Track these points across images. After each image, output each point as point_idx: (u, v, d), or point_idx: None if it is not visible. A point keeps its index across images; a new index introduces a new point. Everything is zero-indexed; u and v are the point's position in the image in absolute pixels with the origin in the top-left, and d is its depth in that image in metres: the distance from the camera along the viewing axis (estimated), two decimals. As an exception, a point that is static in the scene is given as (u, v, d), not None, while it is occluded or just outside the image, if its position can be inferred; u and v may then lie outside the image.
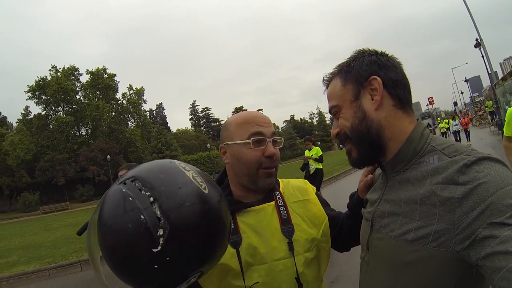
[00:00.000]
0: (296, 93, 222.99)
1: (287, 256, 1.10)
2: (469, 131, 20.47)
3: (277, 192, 1.22)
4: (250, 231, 1.12)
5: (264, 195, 1.20)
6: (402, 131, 0.90)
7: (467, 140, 19.35)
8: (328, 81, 1.03)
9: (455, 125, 21.53)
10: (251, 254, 1.09)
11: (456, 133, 21.04)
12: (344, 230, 1.25)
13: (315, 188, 1.36)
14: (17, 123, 49.12)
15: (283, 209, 1.18)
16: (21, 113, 47.65)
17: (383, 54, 0.95)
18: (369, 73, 0.91)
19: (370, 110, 0.91)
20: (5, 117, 59.15)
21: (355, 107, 0.93)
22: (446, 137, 19.02)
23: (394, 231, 0.85)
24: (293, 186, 1.30)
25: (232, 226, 1.10)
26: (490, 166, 0.72)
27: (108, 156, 40.68)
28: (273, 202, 1.18)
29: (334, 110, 0.99)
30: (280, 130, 76.11)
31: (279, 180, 1.28)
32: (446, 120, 25.26)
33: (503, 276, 0.60)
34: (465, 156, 0.77)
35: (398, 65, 0.94)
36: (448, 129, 25.16)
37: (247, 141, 1.12)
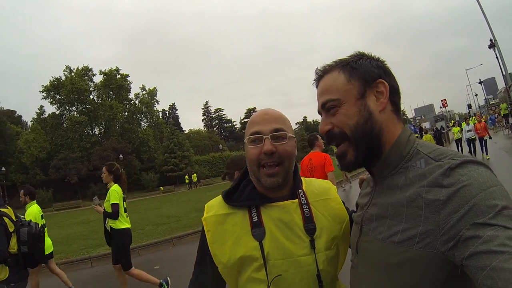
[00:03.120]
0: (306, 94, 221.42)
1: (309, 253, 1.11)
2: (486, 141, 14.60)
3: (300, 191, 1.24)
4: (274, 225, 1.14)
5: (288, 193, 1.21)
6: (394, 136, 0.92)
7: (483, 152, 14.45)
8: (323, 72, 1.00)
9: (469, 130, 15.32)
10: (274, 248, 1.10)
11: (470, 142, 15.32)
12: None
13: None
14: (32, 122, 50.12)
15: (306, 208, 1.19)
16: (36, 113, 48.77)
17: (384, 62, 0.98)
18: (377, 76, 0.93)
19: (375, 111, 0.92)
20: (20, 116, 60.37)
21: (360, 106, 0.92)
22: (459, 146, 16.96)
23: (382, 234, 0.87)
24: (315, 185, 1.31)
25: (256, 219, 1.14)
26: (473, 169, 0.74)
27: (121, 156, 41.24)
28: (296, 200, 1.20)
29: (331, 104, 0.95)
30: (292, 132, 75.49)
31: (302, 179, 1.31)
32: (457, 129, 17.83)
33: (487, 275, 0.61)
34: (449, 159, 0.78)
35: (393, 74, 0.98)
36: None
37: (245, 140, 1.20)
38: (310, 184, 1.30)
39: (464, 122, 17.54)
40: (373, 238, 0.90)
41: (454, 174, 0.74)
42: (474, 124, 15.55)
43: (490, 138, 14.65)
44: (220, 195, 1.25)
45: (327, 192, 1.30)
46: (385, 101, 0.92)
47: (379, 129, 0.91)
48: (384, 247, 0.85)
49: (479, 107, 68.19)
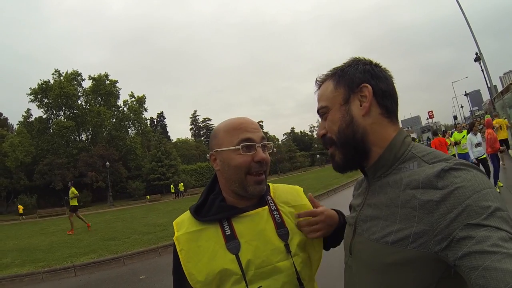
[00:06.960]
0: (292, 105, 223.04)
1: (286, 258, 1.12)
2: (499, 159, 9.54)
3: (268, 197, 1.24)
4: (248, 235, 1.13)
5: (257, 201, 1.21)
6: (386, 138, 0.93)
7: (495, 181, 8.68)
8: (321, 82, 1.05)
9: (477, 144, 9.27)
10: (251, 258, 1.09)
11: (483, 164, 8.98)
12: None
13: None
14: (18, 125, 49.21)
15: (276, 213, 1.19)
16: (23, 116, 47.98)
17: (377, 65, 0.98)
18: (362, 81, 0.94)
19: (357, 116, 0.93)
20: (6, 119, 59.27)
21: (343, 111, 0.95)
22: None
23: (375, 234, 0.88)
24: (283, 190, 1.32)
25: (229, 232, 1.12)
26: (467, 171, 0.76)
27: (107, 163, 40.73)
28: (266, 207, 1.20)
29: (322, 111, 1.01)
30: (280, 142, 76.02)
31: (269, 184, 1.31)
32: (456, 136, 11.38)
33: (480, 274, 0.63)
34: (442, 162, 0.80)
35: (390, 77, 0.97)
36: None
37: (237, 147, 1.13)
38: (278, 190, 1.31)
39: (464, 131, 11.40)
40: (367, 238, 0.91)
41: (448, 176, 0.75)
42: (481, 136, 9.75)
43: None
44: (188, 211, 1.23)
45: (296, 198, 1.30)
46: (368, 105, 0.92)
47: (363, 132, 0.93)
48: (378, 247, 0.85)
49: (464, 118, 69.58)
